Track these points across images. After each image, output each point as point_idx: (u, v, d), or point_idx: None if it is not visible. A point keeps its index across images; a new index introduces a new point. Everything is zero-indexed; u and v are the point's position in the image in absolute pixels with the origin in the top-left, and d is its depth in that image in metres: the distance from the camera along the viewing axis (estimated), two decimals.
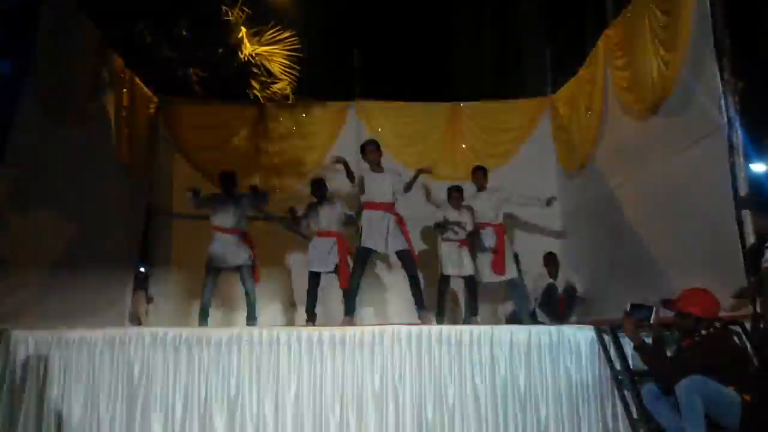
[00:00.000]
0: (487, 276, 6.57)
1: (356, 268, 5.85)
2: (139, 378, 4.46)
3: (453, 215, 6.56)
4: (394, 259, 6.38)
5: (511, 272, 6.52)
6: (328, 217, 6.51)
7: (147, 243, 7.75)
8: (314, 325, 6.11)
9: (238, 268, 6.50)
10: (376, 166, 6.00)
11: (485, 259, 6.56)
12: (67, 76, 5.60)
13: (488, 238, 6.59)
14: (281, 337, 4.56)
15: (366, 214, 5.93)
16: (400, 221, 5.95)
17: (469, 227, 6.58)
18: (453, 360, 4.51)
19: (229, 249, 6.41)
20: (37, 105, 5.22)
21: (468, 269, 6.52)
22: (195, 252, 7.65)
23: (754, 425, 3.46)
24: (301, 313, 6.76)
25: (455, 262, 6.51)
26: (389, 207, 5.92)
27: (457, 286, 7.04)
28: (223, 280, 6.75)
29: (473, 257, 6.56)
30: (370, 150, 6.00)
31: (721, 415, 3.52)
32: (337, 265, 6.30)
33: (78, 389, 4.43)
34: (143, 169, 7.53)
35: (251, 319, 6.45)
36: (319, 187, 6.61)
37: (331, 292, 6.71)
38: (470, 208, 6.68)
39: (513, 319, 7.13)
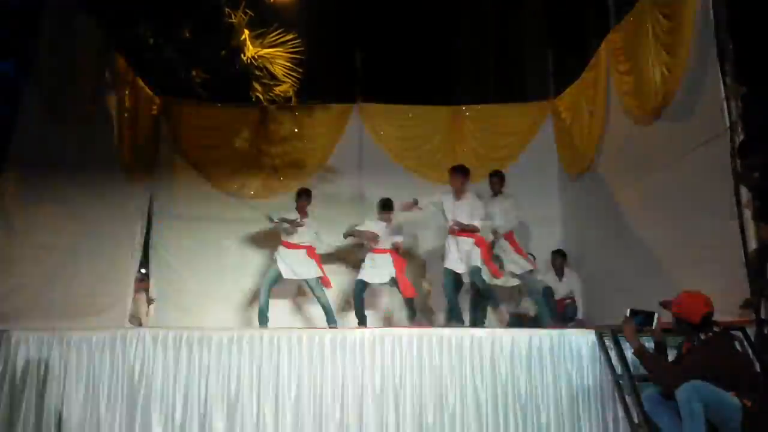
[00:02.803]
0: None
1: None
2: (139, 379, 4.47)
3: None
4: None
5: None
6: (385, 236, 6.91)
7: (148, 244, 7.75)
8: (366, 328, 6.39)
9: (305, 280, 6.87)
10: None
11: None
12: (70, 77, 5.60)
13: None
14: (282, 338, 4.56)
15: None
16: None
17: None
18: (454, 363, 4.51)
19: (297, 263, 6.77)
20: (39, 105, 5.22)
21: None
22: (195, 253, 7.72)
23: (755, 431, 3.45)
24: (305, 314, 6.87)
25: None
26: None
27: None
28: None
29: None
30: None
31: (722, 420, 3.50)
32: (392, 278, 6.79)
33: (78, 390, 4.44)
34: (145, 170, 7.53)
35: (332, 322, 6.76)
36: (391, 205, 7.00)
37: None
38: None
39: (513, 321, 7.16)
